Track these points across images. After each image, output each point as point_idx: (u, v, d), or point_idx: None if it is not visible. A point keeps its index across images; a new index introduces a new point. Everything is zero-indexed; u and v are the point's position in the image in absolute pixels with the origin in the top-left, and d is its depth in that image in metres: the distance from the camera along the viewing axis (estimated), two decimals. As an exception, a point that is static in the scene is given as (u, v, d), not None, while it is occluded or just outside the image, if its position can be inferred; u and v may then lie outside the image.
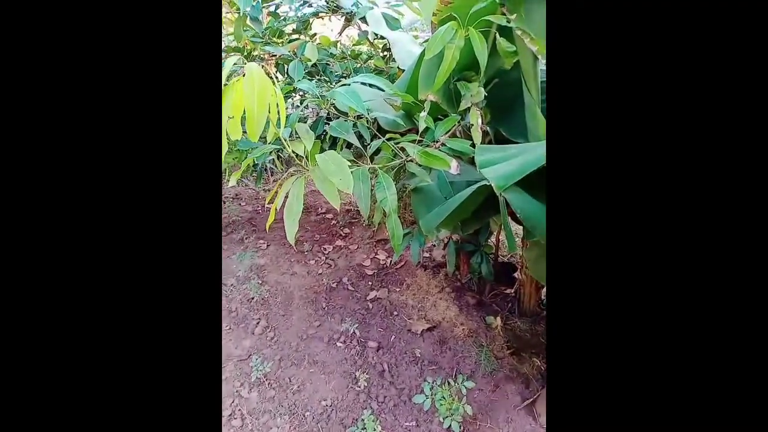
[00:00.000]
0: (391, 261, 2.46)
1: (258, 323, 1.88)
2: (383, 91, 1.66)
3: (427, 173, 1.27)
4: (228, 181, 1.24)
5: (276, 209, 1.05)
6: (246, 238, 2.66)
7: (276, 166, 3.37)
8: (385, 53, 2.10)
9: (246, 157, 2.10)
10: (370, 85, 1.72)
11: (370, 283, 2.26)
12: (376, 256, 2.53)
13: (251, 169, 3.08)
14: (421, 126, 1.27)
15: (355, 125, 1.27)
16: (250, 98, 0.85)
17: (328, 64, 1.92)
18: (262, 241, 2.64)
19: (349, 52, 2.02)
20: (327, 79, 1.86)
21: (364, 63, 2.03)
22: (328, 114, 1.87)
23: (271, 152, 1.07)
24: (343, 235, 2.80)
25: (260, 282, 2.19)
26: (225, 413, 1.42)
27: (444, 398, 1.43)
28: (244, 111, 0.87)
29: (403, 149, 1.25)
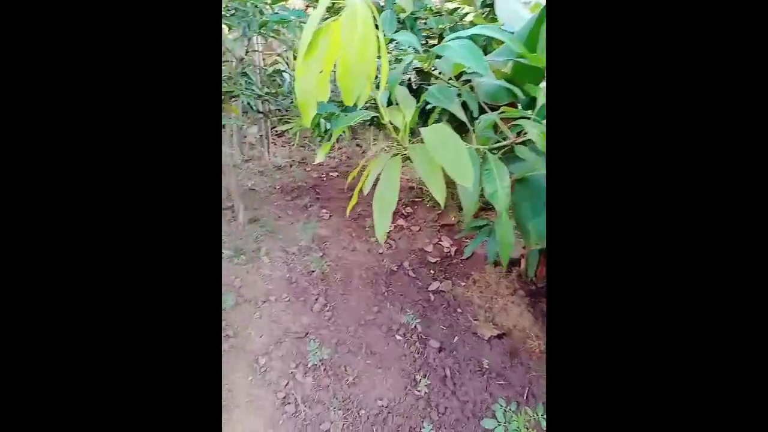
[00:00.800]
0: (455, 250, 2.21)
1: (317, 299, 1.76)
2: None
3: (542, 160, 0.97)
4: (316, 156, 1.04)
5: (361, 191, 0.83)
6: (310, 206, 2.54)
7: (344, 132, 3.19)
8: (485, 10, 1.73)
9: (317, 122, 1.91)
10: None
11: (432, 271, 2.03)
12: (440, 243, 2.29)
13: (317, 133, 2.92)
14: (540, 100, 0.96)
15: (459, 94, 1.00)
16: (349, 45, 0.61)
17: (417, 20, 1.62)
18: (324, 211, 2.51)
19: (443, 7, 1.69)
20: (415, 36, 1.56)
21: (460, 20, 1.69)
22: (410, 80, 1.59)
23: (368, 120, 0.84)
24: (406, 214, 2.58)
25: (322, 254, 2.06)
26: (279, 395, 1.32)
27: (519, 430, 1.19)
28: (335, 65, 0.64)
29: (515, 126, 0.96)
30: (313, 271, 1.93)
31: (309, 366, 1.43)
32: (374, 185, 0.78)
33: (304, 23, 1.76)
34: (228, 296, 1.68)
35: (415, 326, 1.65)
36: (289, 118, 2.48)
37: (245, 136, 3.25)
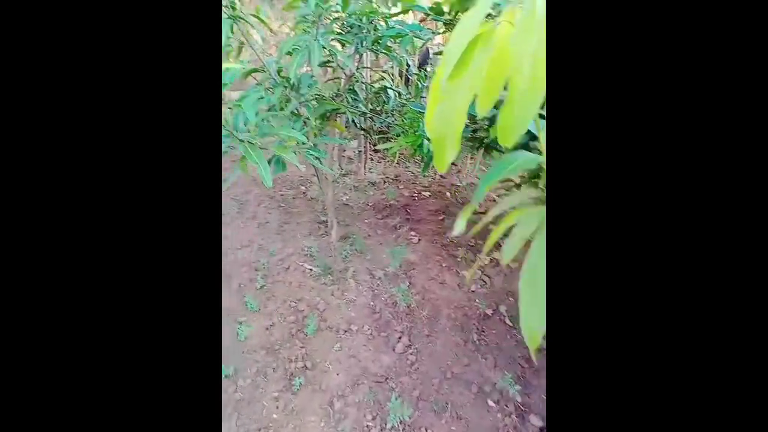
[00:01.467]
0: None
1: (400, 338, 1.56)
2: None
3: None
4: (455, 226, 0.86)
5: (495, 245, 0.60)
6: (399, 227, 2.38)
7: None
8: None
9: (420, 143, 1.74)
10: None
11: (536, 323, 1.68)
12: (546, 287, 1.91)
13: (420, 154, 2.75)
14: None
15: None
16: (521, 60, 0.39)
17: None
18: (413, 234, 2.32)
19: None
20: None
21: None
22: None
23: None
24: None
25: (408, 284, 1.87)
26: (350, 452, 1.15)
27: None
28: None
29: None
30: (397, 303, 1.74)
31: (388, 426, 1.23)
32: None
33: (419, 38, 1.61)
34: (311, 320, 1.59)
35: (512, 394, 1.34)
36: (390, 137, 2.37)
37: (345, 150, 3.27)
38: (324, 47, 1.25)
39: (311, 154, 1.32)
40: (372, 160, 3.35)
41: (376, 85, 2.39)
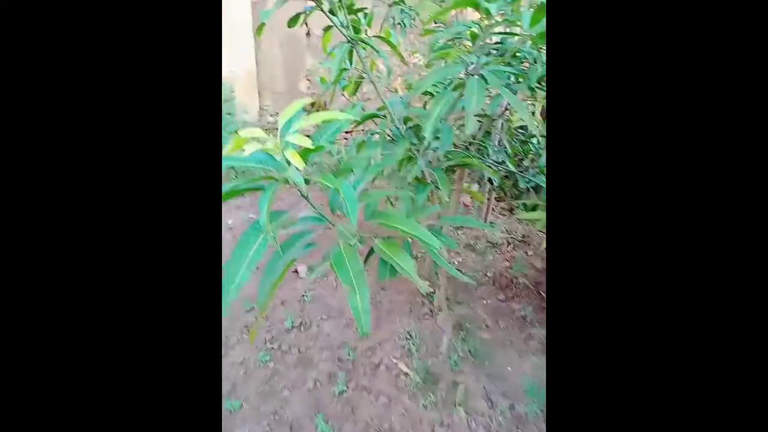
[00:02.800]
0: None
1: None
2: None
3: None
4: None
5: None
6: (530, 320, 1.69)
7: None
8: None
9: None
10: None
11: None
12: None
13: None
14: None
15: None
16: None
17: None
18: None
19: None
20: None
21: None
22: None
23: None
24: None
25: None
26: None
27: None
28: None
29: None
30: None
31: None
32: None
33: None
34: (400, 483, 1.05)
35: None
36: (528, 202, 1.72)
37: (461, 196, 2.71)
38: (487, 87, 0.75)
39: (435, 250, 0.81)
40: (494, 210, 2.70)
41: (516, 125, 1.79)
